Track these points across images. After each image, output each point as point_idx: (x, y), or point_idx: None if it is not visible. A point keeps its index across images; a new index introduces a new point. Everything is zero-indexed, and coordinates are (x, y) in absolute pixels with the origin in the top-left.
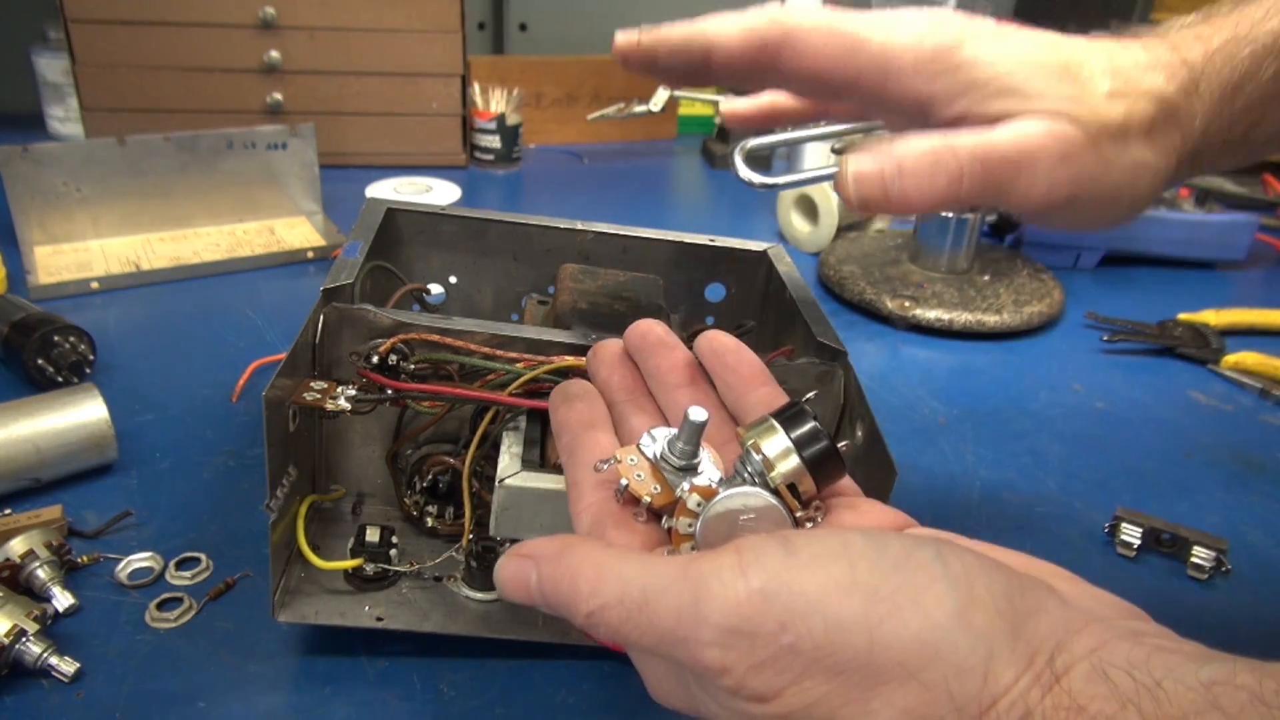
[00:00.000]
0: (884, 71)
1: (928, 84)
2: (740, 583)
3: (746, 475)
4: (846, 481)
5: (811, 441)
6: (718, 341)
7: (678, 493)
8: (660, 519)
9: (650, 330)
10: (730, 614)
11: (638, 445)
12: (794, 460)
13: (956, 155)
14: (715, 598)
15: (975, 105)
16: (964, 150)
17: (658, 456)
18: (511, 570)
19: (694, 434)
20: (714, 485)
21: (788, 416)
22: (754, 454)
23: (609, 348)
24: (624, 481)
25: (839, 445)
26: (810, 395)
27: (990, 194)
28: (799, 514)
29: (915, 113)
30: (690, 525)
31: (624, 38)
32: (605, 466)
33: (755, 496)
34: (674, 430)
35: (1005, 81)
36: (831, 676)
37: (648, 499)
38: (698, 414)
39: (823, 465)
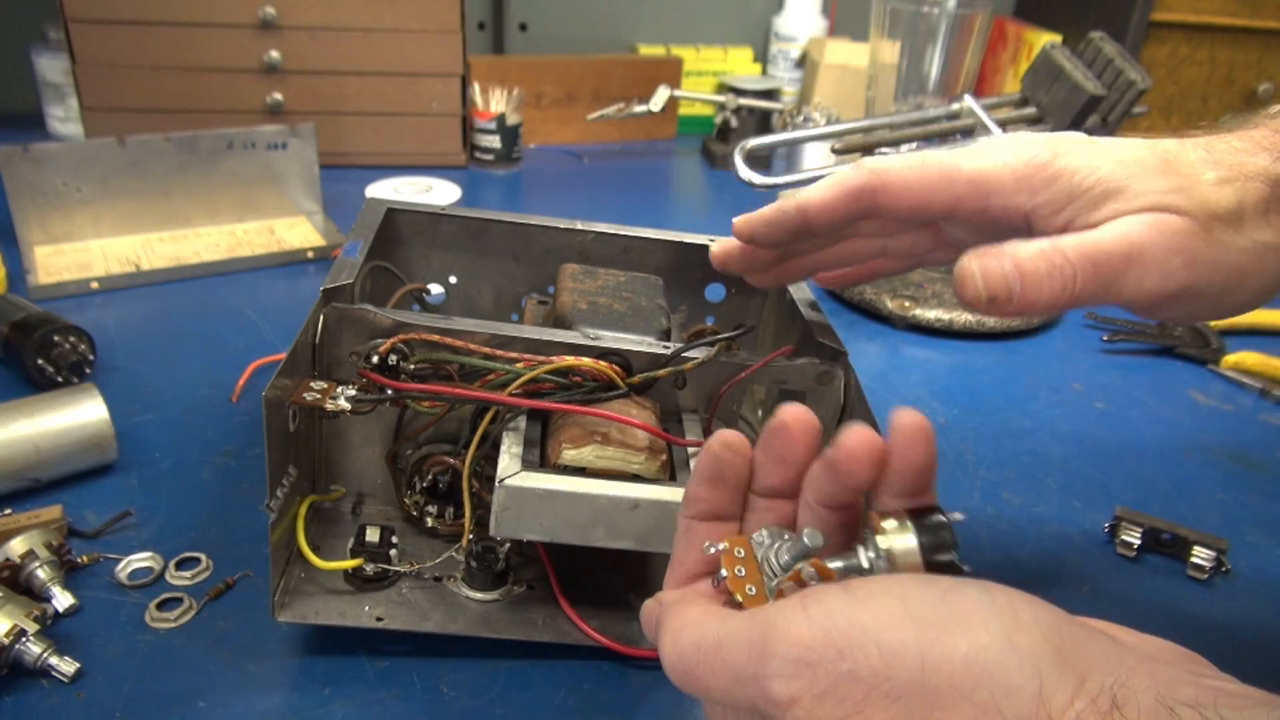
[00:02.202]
0: (984, 193)
1: (1030, 199)
2: (803, 619)
3: (866, 560)
4: None
5: (938, 550)
6: (915, 454)
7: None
8: None
9: (855, 472)
10: (795, 645)
11: (749, 538)
12: (914, 562)
13: (1066, 255)
14: (781, 633)
15: (1080, 214)
16: (1072, 250)
17: (763, 558)
18: (648, 610)
19: (802, 555)
20: (832, 566)
21: (924, 523)
22: (879, 543)
23: (800, 440)
24: (724, 573)
25: (965, 569)
26: (958, 517)
27: (1103, 292)
28: None
29: (1017, 229)
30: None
31: (717, 248)
32: (713, 551)
33: None
34: (788, 539)
35: (1107, 185)
36: (890, 703)
37: (739, 599)
38: (814, 539)
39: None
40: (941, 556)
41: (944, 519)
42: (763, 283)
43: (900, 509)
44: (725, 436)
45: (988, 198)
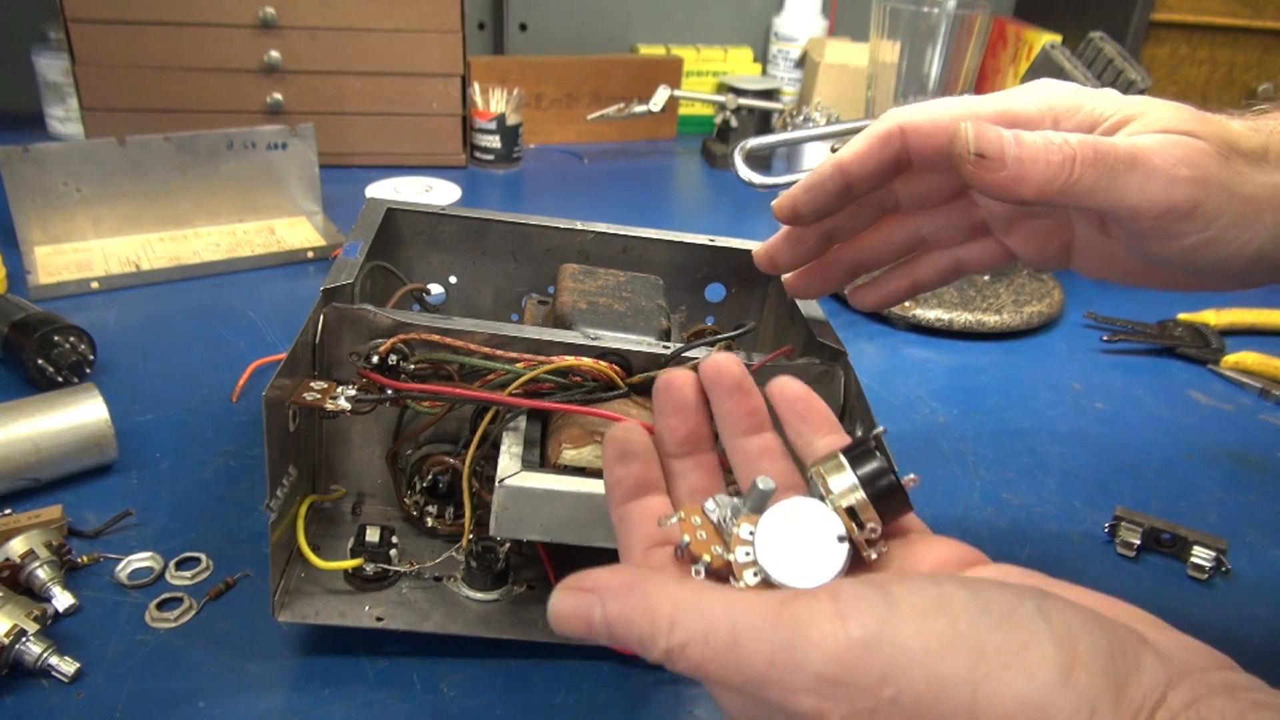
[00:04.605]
0: (1009, 124)
1: (1053, 126)
2: (841, 631)
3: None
4: (914, 518)
5: (877, 478)
6: (789, 389)
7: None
8: (718, 581)
9: (729, 371)
10: (831, 663)
11: (702, 507)
12: (858, 495)
13: (1068, 140)
14: (814, 644)
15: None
16: (1075, 139)
17: (720, 521)
18: (570, 606)
19: (760, 502)
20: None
21: (856, 454)
22: (819, 487)
23: (682, 390)
24: (685, 539)
25: (906, 480)
26: (879, 431)
27: (1105, 187)
28: (855, 536)
29: None
30: (748, 553)
31: (760, 249)
32: (669, 523)
33: (806, 505)
34: (737, 500)
35: (1128, 113)
36: None
37: (707, 559)
38: (765, 483)
39: (886, 500)
40: (883, 483)
41: (871, 446)
42: (806, 288)
43: (834, 450)
44: (615, 426)
45: (1012, 126)
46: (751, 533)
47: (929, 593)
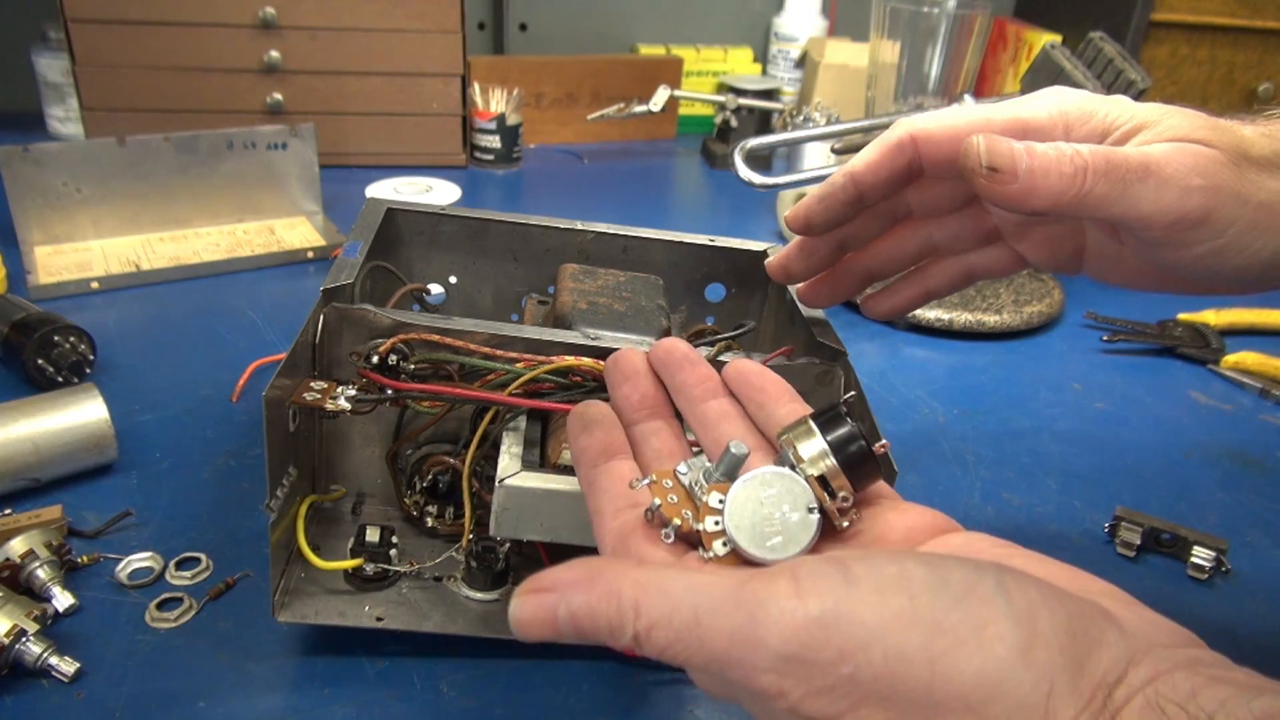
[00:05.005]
0: (1020, 131)
1: (1065, 136)
2: (799, 610)
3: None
4: (884, 485)
5: (847, 443)
6: (742, 367)
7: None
8: (687, 545)
9: (675, 347)
10: (788, 641)
11: (674, 470)
12: (829, 461)
13: (1079, 151)
14: (772, 623)
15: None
16: (1087, 149)
17: (691, 485)
18: (532, 608)
19: (733, 467)
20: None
21: (825, 419)
22: (789, 454)
23: (630, 360)
24: (656, 502)
25: (878, 446)
26: (849, 396)
27: (1118, 197)
28: (827, 505)
29: None
30: (717, 523)
31: (774, 260)
32: (641, 486)
33: (778, 475)
34: (709, 463)
35: (1140, 121)
36: (889, 706)
37: (678, 522)
38: (739, 448)
39: (858, 467)
40: (853, 449)
41: (842, 411)
42: (819, 297)
43: (803, 416)
44: (577, 405)
45: (1024, 135)
46: (721, 501)
47: (888, 570)
